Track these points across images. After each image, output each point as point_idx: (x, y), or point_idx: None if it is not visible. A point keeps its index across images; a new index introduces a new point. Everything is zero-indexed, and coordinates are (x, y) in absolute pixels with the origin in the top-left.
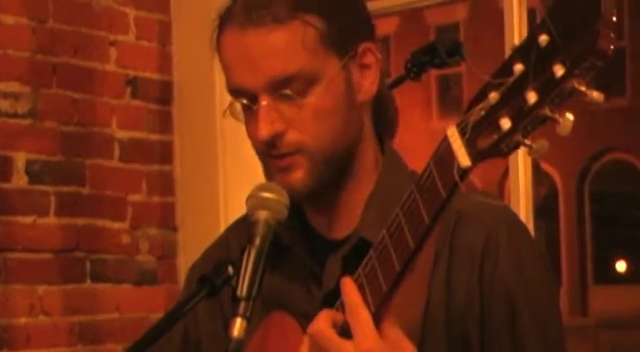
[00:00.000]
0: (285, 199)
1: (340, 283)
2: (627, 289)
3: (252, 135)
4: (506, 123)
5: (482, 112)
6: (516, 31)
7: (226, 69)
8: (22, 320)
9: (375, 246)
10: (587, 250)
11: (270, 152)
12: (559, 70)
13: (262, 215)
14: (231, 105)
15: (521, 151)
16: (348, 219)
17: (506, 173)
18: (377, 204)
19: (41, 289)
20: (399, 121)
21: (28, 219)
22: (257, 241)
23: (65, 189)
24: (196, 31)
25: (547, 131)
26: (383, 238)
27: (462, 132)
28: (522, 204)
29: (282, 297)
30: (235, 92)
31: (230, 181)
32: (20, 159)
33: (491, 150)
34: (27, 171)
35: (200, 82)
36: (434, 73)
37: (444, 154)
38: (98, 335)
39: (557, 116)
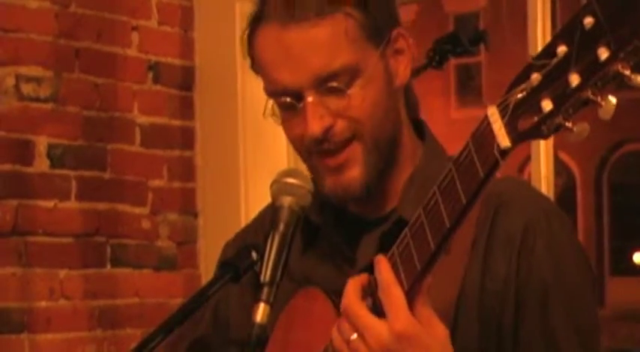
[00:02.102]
0: (308, 185)
1: (374, 261)
2: None
3: (295, 133)
4: (547, 105)
5: (524, 93)
6: (539, 20)
7: (266, 69)
8: (43, 304)
9: (410, 224)
10: (605, 241)
11: (321, 147)
12: (603, 53)
13: (286, 200)
14: (270, 106)
15: (543, 144)
16: (385, 200)
17: (525, 160)
18: (417, 186)
19: (62, 273)
20: (419, 108)
21: (49, 204)
22: (281, 227)
23: (86, 173)
24: (218, 17)
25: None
26: (419, 216)
27: (503, 113)
28: (543, 190)
29: (314, 276)
30: (276, 92)
31: (250, 167)
32: (42, 143)
33: (532, 131)
34: (49, 156)
35: (222, 67)
36: (452, 61)
37: (483, 134)
38: (118, 320)
39: (599, 99)
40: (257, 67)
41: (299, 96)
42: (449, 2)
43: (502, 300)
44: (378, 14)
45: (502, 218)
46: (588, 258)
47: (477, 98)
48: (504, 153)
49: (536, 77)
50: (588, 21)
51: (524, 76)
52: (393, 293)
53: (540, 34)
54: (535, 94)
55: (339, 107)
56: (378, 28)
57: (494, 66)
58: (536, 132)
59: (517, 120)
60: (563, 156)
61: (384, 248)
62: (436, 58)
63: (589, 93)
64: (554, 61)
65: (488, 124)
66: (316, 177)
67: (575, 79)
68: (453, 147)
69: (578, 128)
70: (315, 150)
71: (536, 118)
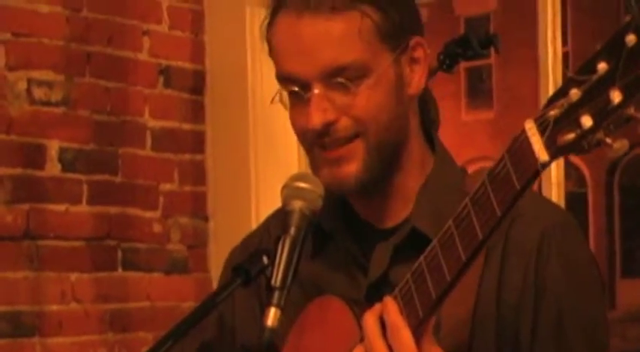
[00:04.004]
0: (320, 189)
1: (383, 302)
2: None
3: (298, 123)
4: (587, 121)
5: (563, 109)
6: (550, 24)
7: (278, 55)
8: (54, 308)
9: (439, 236)
10: (616, 243)
11: (321, 141)
12: None
13: (297, 205)
14: (279, 92)
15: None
16: (397, 210)
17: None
18: (428, 196)
19: (73, 277)
20: (439, 119)
21: (60, 207)
22: (292, 231)
23: (98, 177)
24: (229, 21)
25: None
26: (448, 229)
27: (541, 127)
28: (554, 196)
29: (324, 284)
30: (285, 79)
31: (261, 171)
32: (53, 147)
33: (572, 146)
34: (60, 160)
35: (233, 71)
36: (463, 64)
37: (520, 147)
38: (129, 324)
39: None
40: (272, 53)
41: (306, 87)
42: (460, 5)
43: (518, 312)
44: (398, 19)
45: (517, 229)
46: (600, 268)
47: (488, 101)
48: (543, 166)
49: (575, 93)
50: (631, 38)
51: (562, 92)
52: (402, 337)
53: (550, 37)
54: (574, 110)
55: (344, 103)
56: (396, 32)
57: (504, 68)
58: (577, 147)
59: (556, 135)
60: (574, 159)
61: (397, 257)
62: (446, 61)
63: (631, 110)
64: (595, 77)
65: (526, 138)
66: (314, 168)
67: (617, 96)
68: (464, 149)
69: (618, 144)
70: (315, 143)
71: (575, 134)
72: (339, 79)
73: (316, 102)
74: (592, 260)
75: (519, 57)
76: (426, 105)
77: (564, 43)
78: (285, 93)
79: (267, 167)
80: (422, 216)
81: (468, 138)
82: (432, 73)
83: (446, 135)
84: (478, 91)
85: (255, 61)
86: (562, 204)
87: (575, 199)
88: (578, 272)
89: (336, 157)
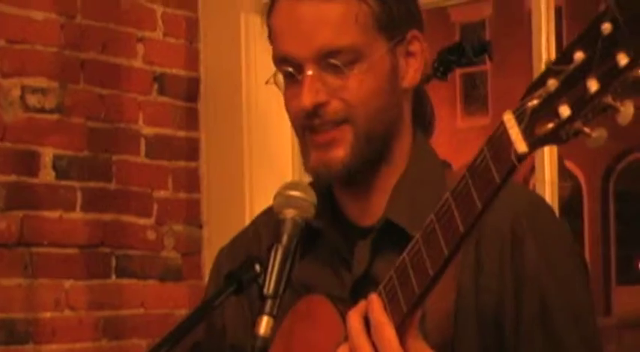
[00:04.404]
0: (312, 198)
1: (367, 299)
2: None
3: (292, 105)
4: (565, 111)
5: (541, 99)
6: (544, 30)
7: (275, 36)
8: (48, 315)
9: (421, 231)
10: (611, 250)
11: (311, 123)
12: (623, 59)
13: (290, 213)
14: (275, 74)
15: (547, 148)
16: (377, 207)
17: (530, 171)
18: (405, 190)
19: (67, 284)
20: (435, 122)
21: (54, 214)
22: (284, 239)
23: (92, 184)
24: (223, 28)
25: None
26: (430, 222)
27: (519, 118)
28: (547, 195)
29: (312, 282)
30: (280, 60)
31: (255, 178)
32: (47, 154)
33: (550, 136)
34: (54, 167)
35: (227, 79)
36: (458, 71)
37: (499, 140)
38: (123, 331)
39: (618, 104)
40: (271, 36)
41: (300, 68)
42: (455, 12)
43: (499, 297)
44: (396, 9)
45: (488, 215)
46: (576, 243)
47: (483, 107)
48: (521, 158)
49: (552, 83)
50: (606, 27)
51: (540, 83)
52: (385, 334)
53: (544, 43)
54: (552, 100)
55: (336, 86)
56: (393, 23)
57: (500, 75)
58: (555, 138)
59: (534, 125)
60: (570, 165)
61: (379, 254)
62: (440, 68)
63: (609, 99)
64: (572, 67)
65: (505, 130)
66: (304, 154)
67: (593, 85)
68: (460, 155)
69: (597, 133)
70: (306, 125)
71: (553, 124)
72: (333, 61)
73: (309, 83)
74: (566, 236)
75: (515, 63)
76: (422, 107)
77: (559, 49)
78: (280, 76)
79: (261, 174)
80: (397, 209)
81: (464, 144)
82: (426, 80)
83: (442, 141)
84: (473, 98)
85: (250, 68)
86: (555, 203)
87: (571, 206)
88: (554, 250)
89: (324, 141)
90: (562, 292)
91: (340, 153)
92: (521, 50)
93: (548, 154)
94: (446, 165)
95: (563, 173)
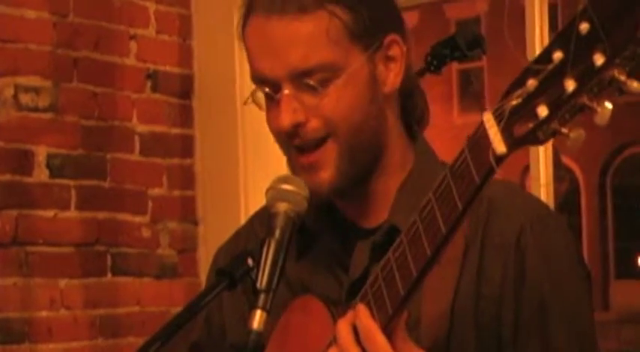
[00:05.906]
0: (304, 191)
1: (355, 308)
2: None
3: (273, 124)
4: (543, 111)
5: (520, 99)
6: (537, 26)
7: (250, 57)
8: (44, 314)
9: (406, 230)
10: (609, 245)
11: (292, 142)
12: (599, 59)
13: (282, 207)
14: (253, 93)
15: (542, 148)
16: (379, 209)
17: (526, 168)
18: (408, 193)
19: (62, 283)
20: (429, 117)
21: (49, 213)
22: (277, 233)
23: (86, 183)
24: (217, 25)
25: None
26: (414, 223)
27: (498, 119)
28: (543, 197)
29: (309, 283)
30: (258, 80)
31: (250, 175)
32: (41, 153)
33: (528, 137)
34: (48, 165)
35: (220, 75)
36: (455, 67)
37: (479, 140)
38: (119, 329)
39: (595, 105)
40: (247, 55)
41: (277, 87)
42: (450, 8)
43: (499, 305)
44: (369, 17)
45: (495, 223)
46: (583, 257)
47: (480, 103)
48: (500, 159)
49: (532, 83)
50: (584, 26)
51: (520, 82)
52: (375, 340)
53: (538, 40)
54: (531, 100)
55: (313, 104)
56: (367, 30)
57: (496, 71)
58: (532, 138)
59: (513, 126)
60: (567, 161)
61: (376, 256)
62: (434, 62)
63: (585, 99)
64: (550, 66)
65: (484, 130)
66: (292, 172)
67: (570, 85)
68: (456, 151)
69: (574, 134)
70: (291, 146)
71: (531, 124)
72: (308, 81)
73: (286, 103)
74: (575, 248)
75: (511, 59)
76: (412, 101)
77: None
78: (259, 95)
79: (256, 171)
80: (401, 213)
81: (460, 140)
82: (420, 74)
83: (438, 138)
84: (470, 94)
85: (244, 65)
86: (551, 204)
87: (568, 201)
88: (558, 262)
89: (309, 163)
90: (562, 305)
91: (325, 175)
92: (517, 47)
93: (543, 155)
94: (445, 166)
95: (560, 168)
